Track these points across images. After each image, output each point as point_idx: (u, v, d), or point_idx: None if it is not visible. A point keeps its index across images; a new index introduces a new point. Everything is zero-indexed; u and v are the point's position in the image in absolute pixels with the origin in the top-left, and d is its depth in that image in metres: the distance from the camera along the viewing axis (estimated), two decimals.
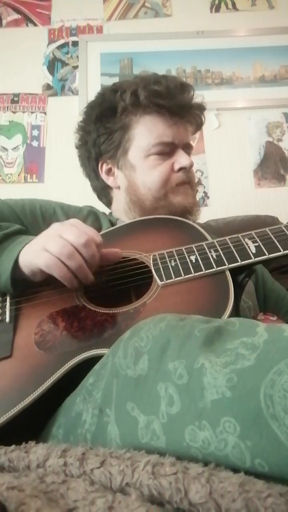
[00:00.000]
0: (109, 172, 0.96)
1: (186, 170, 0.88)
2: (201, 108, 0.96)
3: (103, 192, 1.00)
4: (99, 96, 0.95)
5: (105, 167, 0.95)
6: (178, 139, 0.89)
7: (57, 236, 0.63)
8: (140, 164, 0.90)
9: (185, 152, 0.91)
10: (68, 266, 0.62)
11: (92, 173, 0.99)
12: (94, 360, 0.54)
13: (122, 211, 0.95)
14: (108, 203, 1.02)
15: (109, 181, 0.96)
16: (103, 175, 0.96)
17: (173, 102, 0.87)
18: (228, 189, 1.68)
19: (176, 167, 0.88)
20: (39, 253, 0.63)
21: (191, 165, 0.89)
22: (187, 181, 0.90)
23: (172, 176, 0.88)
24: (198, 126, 0.98)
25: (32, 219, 0.85)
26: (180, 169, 0.88)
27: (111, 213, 1.01)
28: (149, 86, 0.87)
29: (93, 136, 0.94)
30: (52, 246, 0.62)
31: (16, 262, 0.66)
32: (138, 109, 0.88)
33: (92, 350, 0.58)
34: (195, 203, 0.92)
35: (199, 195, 1.66)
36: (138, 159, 0.90)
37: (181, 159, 0.88)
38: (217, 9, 1.91)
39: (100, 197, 1.03)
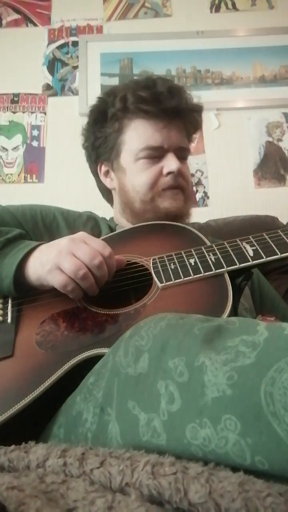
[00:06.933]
0: (106, 174, 0.98)
1: (174, 174, 0.87)
2: (196, 109, 0.95)
3: (105, 192, 1.04)
4: (98, 100, 0.98)
5: (103, 168, 0.98)
6: (168, 143, 0.89)
7: (70, 254, 0.63)
8: (130, 168, 0.91)
9: (180, 156, 0.90)
10: (80, 286, 0.64)
11: (95, 174, 1.03)
12: (95, 360, 0.55)
13: (118, 212, 0.98)
14: (111, 203, 1.05)
15: (107, 182, 0.99)
16: (101, 177, 0.99)
17: (160, 107, 0.87)
18: (228, 189, 1.68)
19: (165, 171, 0.88)
20: (53, 271, 0.64)
21: (179, 170, 0.88)
22: (175, 185, 0.88)
23: (160, 180, 0.88)
24: (195, 127, 0.97)
25: (33, 224, 0.86)
26: (169, 173, 0.87)
27: (112, 218, 1.02)
28: (137, 91, 0.88)
29: (91, 139, 0.98)
30: (66, 266, 0.63)
31: (19, 267, 0.67)
32: (127, 114, 0.90)
33: (93, 350, 0.58)
34: (185, 209, 0.91)
35: (199, 195, 1.66)
36: (129, 163, 0.91)
37: (169, 163, 0.87)
38: (217, 9, 1.91)
39: (103, 196, 1.06)
